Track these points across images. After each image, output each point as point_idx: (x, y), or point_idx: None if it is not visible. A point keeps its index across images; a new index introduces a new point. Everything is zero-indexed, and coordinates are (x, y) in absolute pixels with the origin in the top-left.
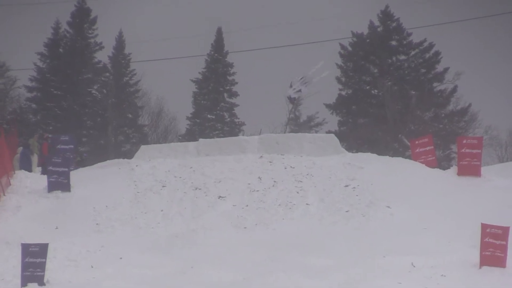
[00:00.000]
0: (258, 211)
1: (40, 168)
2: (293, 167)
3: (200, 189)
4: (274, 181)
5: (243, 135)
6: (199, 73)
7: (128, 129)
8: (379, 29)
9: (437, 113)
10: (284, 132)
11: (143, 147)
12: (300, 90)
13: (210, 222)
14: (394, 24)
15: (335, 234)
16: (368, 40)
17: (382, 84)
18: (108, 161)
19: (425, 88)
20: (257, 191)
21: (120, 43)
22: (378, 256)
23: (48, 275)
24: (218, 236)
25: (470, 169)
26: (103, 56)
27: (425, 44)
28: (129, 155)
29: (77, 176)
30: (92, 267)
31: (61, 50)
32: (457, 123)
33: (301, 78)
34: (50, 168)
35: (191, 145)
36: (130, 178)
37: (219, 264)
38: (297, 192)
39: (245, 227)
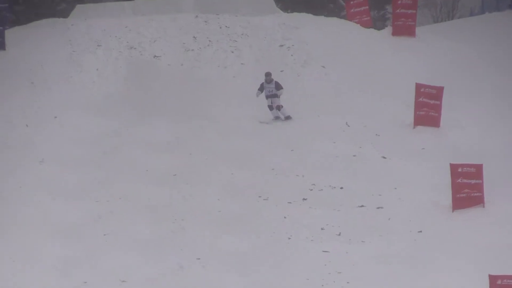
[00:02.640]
0: (193, 70)
1: None
2: (228, 27)
3: (135, 48)
4: (209, 41)
5: None
6: None
7: None
8: None
9: None
10: None
11: (78, 6)
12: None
13: (145, 81)
14: None
15: None
16: None
17: None
18: (43, 20)
19: None
20: (192, 50)
21: None
22: (312, 116)
23: None
24: (153, 95)
25: (404, 30)
26: None
27: None
28: (64, 14)
29: (12, 35)
30: (27, 126)
31: None
32: None
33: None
34: None
35: (127, 4)
36: (65, 38)
37: (155, 122)
38: (232, 52)
39: (180, 87)
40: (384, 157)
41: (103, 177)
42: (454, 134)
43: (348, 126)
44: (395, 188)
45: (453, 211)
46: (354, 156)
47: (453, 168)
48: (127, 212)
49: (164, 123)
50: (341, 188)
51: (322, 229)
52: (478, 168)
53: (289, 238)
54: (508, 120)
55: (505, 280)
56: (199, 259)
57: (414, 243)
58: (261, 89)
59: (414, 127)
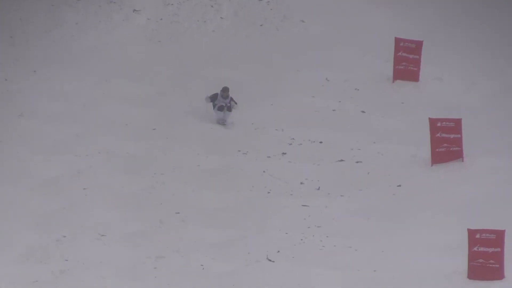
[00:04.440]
0: (173, 25)
1: None
2: None
3: (114, 2)
4: None
5: None
6: None
7: None
8: None
9: None
10: None
11: None
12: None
13: (125, 35)
14: None
15: (249, 48)
16: None
17: None
18: None
19: None
20: (172, 4)
21: None
22: (291, 70)
23: None
24: (132, 50)
25: None
26: None
27: None
28: None
29: None
30: (5, 80)
31: None
32: None
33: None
34: None
35: None
36: None
37: (134, 78)
38: (212, 6)
39: (159, 41)
40: (363, 112)
41: (82, 131)
42: (433, 88)
43: (328, 80)
44: (374, 142)
45: (432, 165)
46: (333, 110)
47: (432, 122)
48: (106, 167)
49: (143, 78)
50: (320, 142)
51: (301, 183)
52: (457, 122)
53: (268, 193)
54: (488, 74)
55: (484, 234)
56: (178, 213)
57: (393, 197)
58: (213, 99)
59: (393, 82)
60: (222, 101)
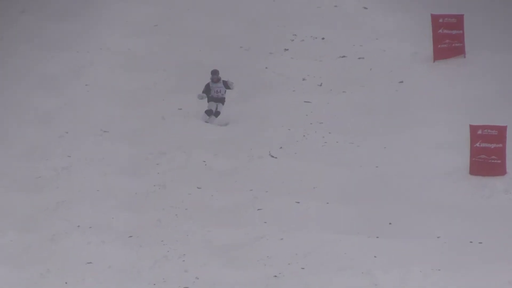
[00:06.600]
0: None
1: None
2: None
3: None
4: None
5: None
6: None
7: None
8: None
9: None
10: None
11: None
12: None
13: None
14: None
15: None
16: None
17: None
18: None
19: None
20: None
21: None
22: None
23: None
24: None
25: None
26: None
27: None
28: None
29: None
30: None
31: None
32: None
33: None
34: None
35: None
36: None
37: None
38: None
39: None
40: (365, 8)
41: (83, 28)
42: None
43: None
44: (377, 39)
45: (434, 62)
46: (335, 6)
47: (434, 18)
48: (107, 63)
49: None
50: (323, 38)
51: (303, 79)
52: (459, 18)
53: (270, 89)
54: None
55: (486, 130)
56: (181, 109)
57: (396, 93)
58: (207, 91)
59: None
60: (214, 87)
